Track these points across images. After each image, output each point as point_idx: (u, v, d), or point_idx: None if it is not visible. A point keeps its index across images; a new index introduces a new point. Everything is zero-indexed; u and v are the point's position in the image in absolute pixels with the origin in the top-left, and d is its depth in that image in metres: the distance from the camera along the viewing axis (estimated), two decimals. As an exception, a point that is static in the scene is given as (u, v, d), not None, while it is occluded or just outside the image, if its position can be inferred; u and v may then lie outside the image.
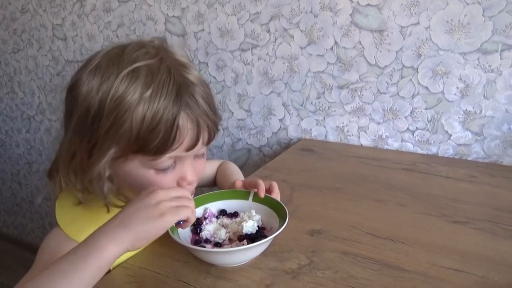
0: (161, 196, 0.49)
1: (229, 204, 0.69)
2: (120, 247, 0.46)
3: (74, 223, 0.61)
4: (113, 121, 0.51)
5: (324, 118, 1.17)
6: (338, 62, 1.10)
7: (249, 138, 1.33)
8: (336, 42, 1.08)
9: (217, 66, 1.31)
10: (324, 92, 1.15)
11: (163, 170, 0.56)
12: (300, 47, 1.14)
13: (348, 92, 1.11)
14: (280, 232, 0.57)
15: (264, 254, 0.61)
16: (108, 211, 0.60)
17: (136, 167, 0.56)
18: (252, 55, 1.23)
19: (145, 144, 0.52)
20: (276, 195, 0.68)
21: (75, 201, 0.60)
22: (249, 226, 0.60)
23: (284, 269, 0.58)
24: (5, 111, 2.01)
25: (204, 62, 1.33)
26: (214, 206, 0.69)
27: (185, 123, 0.53)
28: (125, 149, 0.53)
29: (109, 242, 0.46)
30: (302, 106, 1.19)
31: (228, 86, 1.31)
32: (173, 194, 0.51)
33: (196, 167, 0.60)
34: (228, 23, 1.23)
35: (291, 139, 1.25)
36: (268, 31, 1.17)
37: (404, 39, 0.99)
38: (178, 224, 0.54)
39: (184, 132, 0.53)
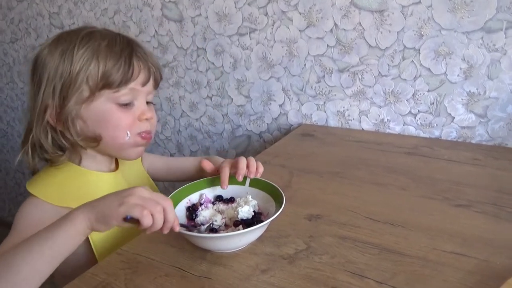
0: (134, 191, 0.51)
1: (226, 190, 0.67)
2: (85, 222, 0.50)
3: (45, 187, 0.68)
4: (82, 65, 0.64)
5: (325, 102, 1.15)
6: (338, 44, 1.07)
7: (249, 124, 1.31)
8: (335, 24, 1.05)
9: (215, 51, 1.28)
10: (324, 76, 1.12)
11: (125, 106, 0.67)
12: (299, 30, 1.11)
13: (348, 76, 1.09)
14: (276, 217, 0.55)
15: (260, 239, 0.60)
16: (80, 162, 0.71)
17: (102, 103, 0.66)
18: (250, 39, 1.20)
19: (109, 78, 0.64)
20: (253, 167, 0.67)
21: (46, 171, 0.71)
22: (245, 211, 0.59)
23: (280, 254, 0.57)
24: (6, 102, 2.01)
25: (202, 48, 1.30)
26: (210, 192, 0.67)
27: (138, 64, 0.68)
28: (93, 88, 0.64)
29: (79, 214, 0.51)
30: (302, 90, 1.17)
31: (227, 72, 1.29)
32: (146, 194, 0.51)
33: (150, 111, 0.71)
34: (226, 7, 1.20)
35: (292, 125, 1.23)
36: (266, 14, 1.14)
37: (405, 19, 0.96)
38: (129, 220, 0.50)
39: (138, 68, 0.67)
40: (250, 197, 0.63)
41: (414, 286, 0.50)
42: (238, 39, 1.22)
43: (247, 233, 0.54)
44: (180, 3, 1.28)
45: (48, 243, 0.50)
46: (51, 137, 0.67)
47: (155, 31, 1.38)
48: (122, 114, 0.67)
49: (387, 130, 1.08)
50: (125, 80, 0.66)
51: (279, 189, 0.63)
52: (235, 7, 1.19)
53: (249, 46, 1.21)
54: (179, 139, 1.50)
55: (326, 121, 1.17)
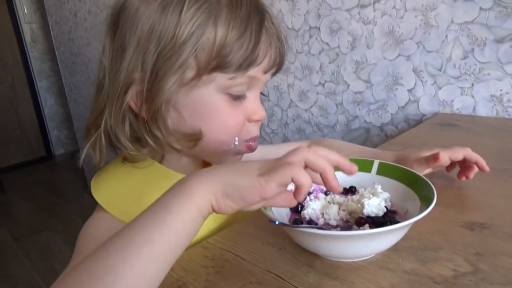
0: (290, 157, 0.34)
1: (343, 177, 0.50)
2: (208, 196, 0.34)
3: (120, 196, 0.50)
4: (193, 30, 0.43)
5: (473, 84, 0.89)
6: (497, 6, 0.81)
7: (368, 115, 1.10)
8: (495, -22, 0.80)
9: (331, 29, 1.11)
10: (473, 50, 0.87)
11: (236, 99, 0.48)
12: (441, -8, 0.88)
13: (510, 47, 0.81)
14: (425, 215, 0.36)
15: (394, 249, 0.41)
16: (162, 160, 0.52)
17: (209, 92, 0.46)
18: (374, 11, 1.00)
19: (228, 57, 0.44)
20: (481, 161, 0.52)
21: (115, 172, 0.52)
22: (373, 206, 0.41)
23: (429, 275, 0.37)
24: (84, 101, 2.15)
25: (315, 27, 1.15)
26: (322, 179, 0.50)
27: (266, 39, 0.47)
28: (202, 66, 0.44)
29: (199, 184, 0.34)
30: (440, 70, 0.93)
31: (343, 53, 1.11)
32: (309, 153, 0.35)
33: (263, 109, 0.51)
34: (345, -25, 1.03)
35: (424, 115, 0.99)
36: (397, -23, 0.94)
37: None
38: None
39: (265, 48, 0.47)
40: (379, 188, 0.45)
41: None
42: (358, 12, 1.03)
43: (380, 235, 0.35)
44: (293, -22, 1.15)
45: (151, 238, 0.32)
46: (129, 126, 0.48)
47: (265, 12, 1.27)
48: (232, 111, 0.48)
49: None
50: (248, 64, 0.45)
51: (424, 178, 0.43)
52: (357, -27, 1.00)
53: (372, 19, 1.01)
54: (285, 133, 1.36)
55: (474, 109, 0.90)
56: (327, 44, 1.14)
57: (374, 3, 1.00)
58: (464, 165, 0.55)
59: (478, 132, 0.79)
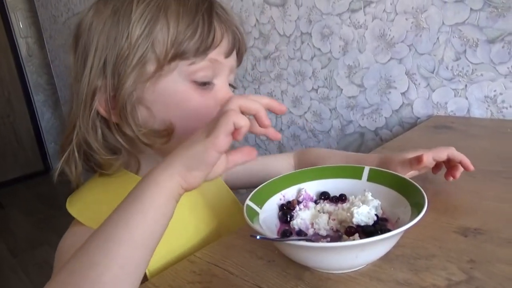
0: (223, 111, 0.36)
1: (333, 185, 0.49)
2: (175, 178, 0.36)
3: (94, 207, 0.49)
4: (144, 27, 0.45)
5: (466, 86, 0.88)
6: (487, 6, 0.80)
7: (362, 119, 1.09)
8: (484, -21, 0.79)
9: (322, 35, 1.11)
10: (465, 51, 0.86)
11: (203, 86, 0.48)
12: (430, -5, 0.87)
13: (503, 47, 0.81)
14: (415, 223, 0.35)
15: (386, 258, 0.40)
16: (138, 170, 0.51)
17: (174, 81, 0.47)
18: (364, 15, 1.00)
19: (183, 44, 0.46)
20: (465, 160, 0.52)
21: (91, 186, 0.52)
22: (363, 214, 0.40)
23: (422, 285, 0.36)
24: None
25: (306, 33, 1.14)
26: (311, 187, 0.49)
27: (219, 24, 0.49)
28: (161, 58, 0.46)
29: (162, 172, 0.36)
30: (433, 73, 0.92)
31: (335, 58, 1.10)
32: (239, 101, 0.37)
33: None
34: (335, -20, 1.03)
35: (418, 118, 0.98)
36: (386, -20, 0.93)
37: None
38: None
39: (220, 33, 0.48)
40: (370, 195, 0.43)
41: None
42: (349, 17, 1.03)
43: (370, 245, 0.34)
44: (283, -15, 1.15)
45: (130, 227, 0.34)
46: (101, 133, 0.48)
47: (256, 20, 1.26)
48: (201, 97, 0.48)
49: None
50: (205, 47, 0.47)
51: (415, 184, 0.42)
52: (346, -22, 1.00)
53: (363, 23, 1.01)
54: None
55: (468, 110, 0.89)
56: (319, 49, 1.13)
57: (364, 7, 0.99)
58: (450, 165, 0.54)
59: (472, 134, 0.78)
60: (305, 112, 1.24)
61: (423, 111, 0.97)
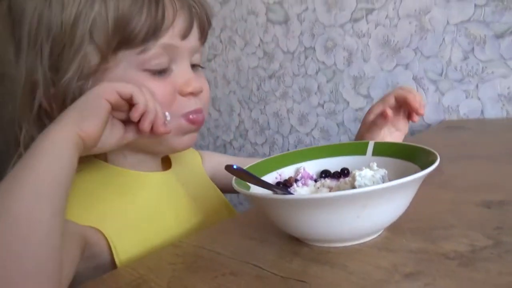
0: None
1: (335, 163, 0.44)
2: (66, 125, 0.34)
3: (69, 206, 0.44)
4: (80, 9, 0.39)
5: (477, 86, 0.84)
6: (492, 0, 0.78)
7: (371, 131, 1.05)
8: (486, -26, 0.77)
9: (326, 48, 1.09)
10: (473, 49, 0.82)
11: (159, 74, 0.43)
12: (432, -4, 0.86)
13: (513, 41, 0.77)
14: (432, 169, 0.30)
15: (397, 230, 0.34)
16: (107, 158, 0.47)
17: (123, 74, 0.42)
18: (367, 23, 0.98)
19: (128, 28, 0.40)
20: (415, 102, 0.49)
21: None
22: (366, 177, 0.35)
23: (440, 251, 0.30)
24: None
25: (310, 47, 1.13)
26: (311, 166, 0.45)
27: (170, 1, 0.42)
28: (103, 47, 0.40)
29: (53, 126, 0.34)
30: (441, 75, 0.88)
31: (340, 70, 1.08)
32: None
33: (198, 78, 0.47)
34: (335, -8, 1.03)
35: (429, 124, 0.93)
36: (386, -13, 0.93)
37: None
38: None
39: (172, 10, 0.42)
40: (375, 165, 0.38)
41: None
42: (352, 27, 1.02)
43: (374, 197, 0.29)
44: (285, 2, 1.15)
45: (31, 178, 0.31)
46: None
47: (260, 39, 1.27)
48: (159, 85, 0.43)
49: None
50: (154, 30, 0.41)
51: (423, 146, 0.37)
52: (347, -11, 1.00)
53: (366, 31, 0.99)
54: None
55: (482, 111, 0.84)
56: (323, 63, 1.11)
57: (366, 15, 0.98)
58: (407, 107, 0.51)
59: (489, 131, 0.73)
60: (312, 129, 1.20)
61: (433, 117, 0.92)
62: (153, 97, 0.40)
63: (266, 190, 0.36)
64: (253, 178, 0.32)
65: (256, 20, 1.26)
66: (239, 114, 1.41)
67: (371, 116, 0.53)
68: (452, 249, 0.30)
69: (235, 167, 0.29)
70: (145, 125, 0.38)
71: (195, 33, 0.45)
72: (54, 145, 0.33)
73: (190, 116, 0.46)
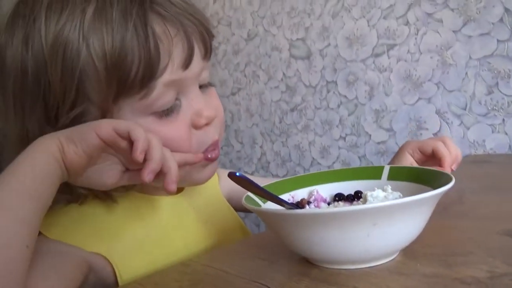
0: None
1: (349, 187, 0.43)
2: (51, 139, 0.34)
3: (62, 223, 0.42)
4: (62, 72, 0.36)
5: (504, 120, 0.82)
6: (516, 35, 0.78)
7: (394, 165, 1.03)
8: (506, 9, 0.78)
9: (347, 82, 1.11)
10: (497, 83, 0.81)
11: (167, 113, 0.39)
12: (453, 31, 0.86)
13: (539, 75, 0.76)
14: (448, 189, 0.29)
15: (411, 255, 0.33)
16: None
17: (129, 120, 0.38)
18: (388, 58, 0.99)
19: (123, 77, 0.36)
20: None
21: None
22: (378, 198, 0.34)
23: (456, 276, 0.29)
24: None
25: (332, 81, 1.15)
26: (324, 189, 0.44)
27: (163, 28, 0.37)
28: (100, 100, 0.37)
29: (40, 140, 0.34)
30: (465, 109, 0.87)
31: (361, 104, 1.08)
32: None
33: (210, 102, 0.43)
34: (357, 29, 1.05)
35: (454, 159, 0.90)
36: (407, 23, 0.94)
37: None
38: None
39: (167, 40, 0.37)
40: (389, 188, 0.38)
41: None
42: (373, 62, 1.03)
43: (386, 214, 0.28)
44: (308, 39, 1.19)
45: (4, 190, 0.30)
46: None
47: (283, 74, 1.29)
48: (169, 126, 0.39)
49: None
50: (151, 71, 0.36)
51: (437, 169, 0.37)
52: (368, 25, 1.02)
53: (388, 66, 1.00)
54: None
55: (510, 146, 0.81)
56: (345, 96, 1.12)
57: (388, 50, 0.99)
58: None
59: (516, 165, 0.70)
60: (334, 162, 1.19)
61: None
62: (162, 148, 0.35)
63: (278, 206, 0.35)
64: (257, 187, 0.31)
65: (280, 56, 1.29)
66: (261, 146, 1.41)
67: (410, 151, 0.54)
68: (469, 274, 0.29)
69: (238, 174, 0.29)
70: (145, 175, 0.33)
71: (197, 55, 0.41)
72: (34, 157, 0.32)
73: (209, 155, 0.43)
